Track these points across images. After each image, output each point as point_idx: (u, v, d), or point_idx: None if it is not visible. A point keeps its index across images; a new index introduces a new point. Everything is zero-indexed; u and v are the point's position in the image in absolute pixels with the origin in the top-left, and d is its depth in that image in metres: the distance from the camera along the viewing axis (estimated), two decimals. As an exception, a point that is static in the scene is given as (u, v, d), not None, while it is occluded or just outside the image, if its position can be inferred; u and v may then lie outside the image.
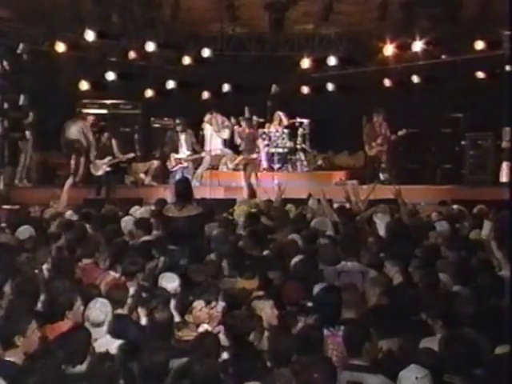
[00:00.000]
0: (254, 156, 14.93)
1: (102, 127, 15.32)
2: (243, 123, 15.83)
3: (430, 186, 14.79)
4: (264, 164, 16.55)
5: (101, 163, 14.39)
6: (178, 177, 13.75)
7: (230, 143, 16.73)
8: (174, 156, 14.57)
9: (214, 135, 16.45)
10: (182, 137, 14.72)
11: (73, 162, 14.63)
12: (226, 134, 16.49)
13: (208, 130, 16.37)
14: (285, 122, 16.69)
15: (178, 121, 14.81)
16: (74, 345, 4.79)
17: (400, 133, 15.22)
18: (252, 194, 14.01)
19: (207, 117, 16.32)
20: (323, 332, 5.26)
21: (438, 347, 4.74)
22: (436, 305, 5.44)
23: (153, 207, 10.79)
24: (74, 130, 14.91)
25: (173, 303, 5.83)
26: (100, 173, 14.37)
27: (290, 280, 6.30)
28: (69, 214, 10.16)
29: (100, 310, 5.49)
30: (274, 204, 10.92)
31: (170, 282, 6.09)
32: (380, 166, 15.42)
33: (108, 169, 14.39)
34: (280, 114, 16.68)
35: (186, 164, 14.71)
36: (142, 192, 14.57)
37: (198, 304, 5.63)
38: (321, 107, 16.94)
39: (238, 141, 16.37)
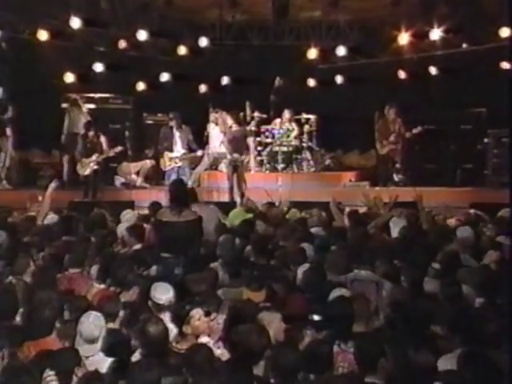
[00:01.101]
0: (236, 156, 14.51)
1: (89, 122, 15.17)
2: (230, 119, 15.66)
3: (449, 188, 14.73)
4: (266, 164, 16.72)
5: (88, 161, 14.41)
6: (172, 178, 13.80)
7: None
8: (167, 155, 14.62)
9: (221, 136, 16.54)
10: (177, 134, 14.75)
11: (66, 161, 14.69)
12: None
13: (214, 130, 16.40)
14: (289, 118, 16.70)
15: (171, 116, 14.81)
16: (61, 366, 4.80)
17: (415, 130, 15.17)
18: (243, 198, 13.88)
19: (213, 116, 16.24)
20: (333, 348, 5.30)
21: (456, 365, 4.76)
22: (455, 319, 5.48)
23: (146, 211, 10.84)
24: (82, 122, 14.90)
25: (167, 315, 5.89)
26: (87, 172, 14.40)
27: (296, 291, 6.40)
28: (51, 218, 10.16)
29: (94, 324, 5.49)
30: (275, 208, 11.07)
31: (164, 293, 6.12)
32: (394, 166, 15.47)
33: (95, 167, 14.42)
34: (286, 111, 16.61)
35: (180, 163, 14.75)
36: (134, 194, 14.66)
37: (196, 313, 5.69)
38: (329, 102, 16.90)
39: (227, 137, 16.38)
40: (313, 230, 9.28)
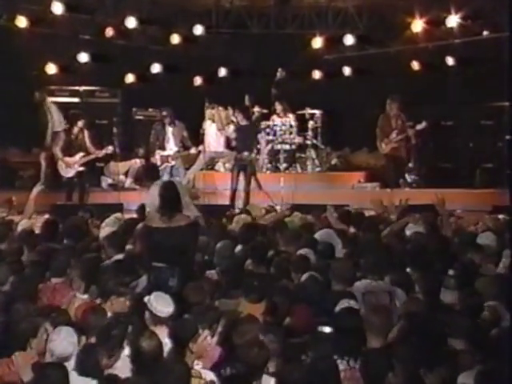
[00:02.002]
0: (246, 155, 14.50)
1: (73, 116, 14.95)
2: (238, 113, 15.66)
3: (468, 190, 14.80)
4: (267, 164, 16.75)
5: (72, 161, 14.38)
6: (165, 178, 13.82)
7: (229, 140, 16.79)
8: (159, 153, 14.62)
9: (218, 134, 16.54)
10: (170, 130, 14.75)
11: (43, 158, 14.63)
12: (230, 130, 16.42)
13: (211, 128, 16.42)
14: (281, 111, 16.67)
15: (164, 112, 14.83)
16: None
17: (419, 126, 15.12)
18: (247, 201, 13.94)
19: (209, 112, 16.35)
20: (337, 364, 5.28)
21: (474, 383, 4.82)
22: (474, 332, 5.51)
23: (135, 215, 10.83)
24: (60, 118, 14.77)
25: (164, 329, 5.87)
26: (71, 174, 14.35)
27: (299, 303, 6.34)
28: (32, 223, 10.11)
29: (67, 340, 5.40)
30: (277, 212, 11.00)
31: (166, 306, 6.05)
32: (403, 165, 15.42)
33: (81, 168, 14.39)
34: (277, 104, 16.55)
35: (173, 162, 14.75)
36: (122, 196, 14.60)
37: (205, 332, 5.65)
38: (336, 95, 17.06)
39: (232, 135, 16.43)
40: (317, 235, 9.25)
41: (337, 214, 10.10)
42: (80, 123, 14.53)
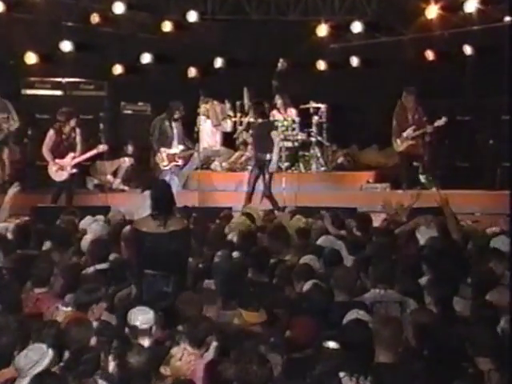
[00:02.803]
0: (268, 157, 14.64)
1: (65, 114, 14.52)
2: (250, 110, 15.80)
3: (488, 192, 14.79)
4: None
5: (65, 163, 14.19)
6: (171, 178, 13.96)
7: (228, 138, 16.96)
8: (165, 151, 14.62)
9: (214, 130, 16.59)
10: (175, 126, 14.72)
11: (6, 156, 14.62)
12: (227, 126, 16.69)
13: (206, 123, 16.43)
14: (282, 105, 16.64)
15: (173, 104, 14.66)
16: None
17: (438, 122, 15.04)
18: (276, 205, 14.01)
19: (203, 107, 16.33)
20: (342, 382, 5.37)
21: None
22: (492, 347, 5.51)
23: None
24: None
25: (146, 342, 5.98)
26: (65, 177, 14.18)
27: (301, 314, 6.40)
28: (7, 227, 10.08)
29: (36, 358, 5.33)
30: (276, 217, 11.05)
31: (143, 316, 6.14)
32: (417, 165, 15.41)
33: (74, 170, 14.29)
34: (277, 98, 16.54)
35: (180, 162, 14.82)
36: (110, 198, 14.68)
37: (179, 351, 5.69)
38: (342, 88, 16.94)
39: (243, 135, 16.43)
40: (320, 240, 9.31)
41: (330, 218, 10.24)
42: (72, 122, 14.36)
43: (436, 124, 15.06)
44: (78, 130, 14.43)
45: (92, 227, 10.00)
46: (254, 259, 8.24)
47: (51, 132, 14.25)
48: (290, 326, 6.23)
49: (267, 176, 14.48)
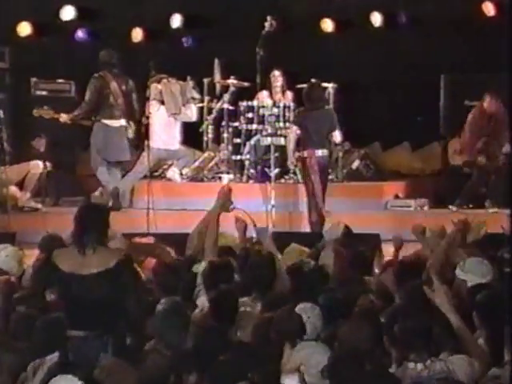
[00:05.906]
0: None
1: None
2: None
3: None
4: (249, 170, 16.56)
5: None
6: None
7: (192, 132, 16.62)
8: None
9: (171, 121, 16.58)
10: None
11: None
12: (192, 113, 16.78)
13: (158, 112, 16.60)
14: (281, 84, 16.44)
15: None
16: None
17: (506, 148, 15.63)
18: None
19: (154, 87, 16.18)
20: None
21: None
22: None
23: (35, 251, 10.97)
24: None
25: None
26: None
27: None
28: None
29: None
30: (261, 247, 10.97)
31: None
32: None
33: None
34: (276, 74, 16.54)
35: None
36: (14, 221, 14.89)
37: None
38: (357, 60, 16.81)
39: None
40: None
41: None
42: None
43: (504, 151, 16.10)
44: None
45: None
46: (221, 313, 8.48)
47: None
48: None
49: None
